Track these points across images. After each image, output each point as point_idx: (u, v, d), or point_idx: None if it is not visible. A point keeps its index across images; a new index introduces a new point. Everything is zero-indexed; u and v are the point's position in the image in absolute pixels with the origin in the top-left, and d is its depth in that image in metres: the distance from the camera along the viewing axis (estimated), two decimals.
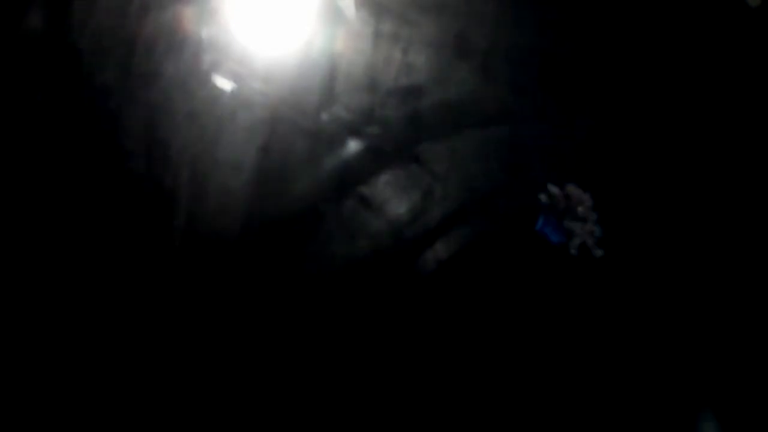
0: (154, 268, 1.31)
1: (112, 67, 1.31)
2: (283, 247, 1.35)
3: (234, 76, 1.35)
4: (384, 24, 1.41)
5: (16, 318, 1.26)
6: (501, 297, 1.37)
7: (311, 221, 1.36)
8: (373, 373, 1.33)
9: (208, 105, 1.34)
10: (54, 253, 1.28)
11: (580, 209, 1.40)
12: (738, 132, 1.49)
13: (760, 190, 1.47)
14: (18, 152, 1.29)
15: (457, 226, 1.40)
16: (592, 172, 1.44)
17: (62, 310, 1.27)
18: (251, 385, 1.30)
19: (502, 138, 1.45)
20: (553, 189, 1.41)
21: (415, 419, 1.32)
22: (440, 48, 1.43)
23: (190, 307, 1.31)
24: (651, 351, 1.39)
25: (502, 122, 1.45)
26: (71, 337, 1.27)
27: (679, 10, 1.50)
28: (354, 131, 1.39)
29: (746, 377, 1.40)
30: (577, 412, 1.35)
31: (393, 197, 1.39)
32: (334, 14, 1.38)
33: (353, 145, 1.39)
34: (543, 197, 1.41)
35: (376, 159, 1.40)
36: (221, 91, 1.35)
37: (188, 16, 1.34)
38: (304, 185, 1.37)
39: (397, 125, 1.41)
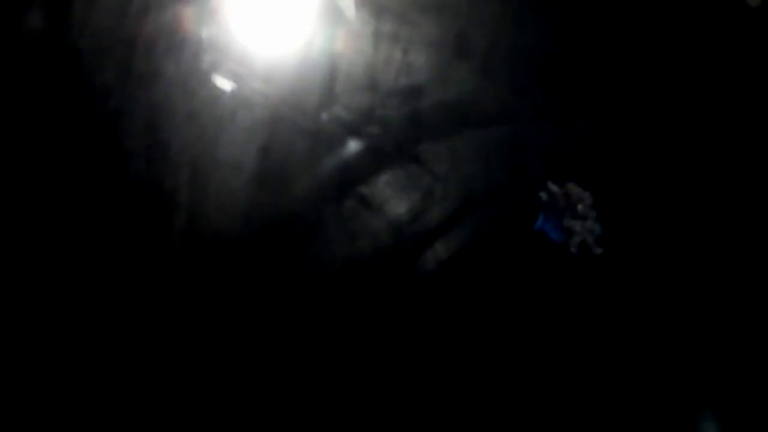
0: (153, 268, 1.31)
1: (112, 67, 1.31)
2: (283, 247, 1.35)
3: (234, 76, 1.35)
4: (384, 24, 1.41)
5: (16, 318, 1.26)
6: (501, 296, 1.37)
7: (311, 221, 1.36)
8: (373, 373, 1.33)
9: (208, 105, 1.34)
10: (54, 253, 1.28)
11: (580, 207, 1.40)
12: (738, 132, 1.49)
13: (760, 189, 1.48)
14: (18, 152, 1.29)
15: (457, 226, 1.40)
16: (592, 171, 1.44)
17: (62, 310, 1.27)
18: (251, 384, 1.30)
19: (502, 138, 1.45)
20: (553, 187, 1.41)
21: (416, 419, 1.32)
22: (440, 48, 1.43)
23: (190, 307, 1.31)
24: (651, 350, 1.38)
25: (502, 122, 1.46)
26: (71, 337, 1.26)
27: (679, 10, 1.50)
28: (354, 131, 1.39)
29: (746, 377, 1.40)
30: (577, 411, 1.35)
31: (393, 197, 1.39)
32: (334, 14, 1.38)
33: (353, 145, 1.39)
34: (543, 195, 1.41)
35: (376, 159, 1.40)
36: (221, 91, 1.35)
37: (188, 16, 1.34)
38: (304, 185, 1.37)
39: (397, 125, 1.41)
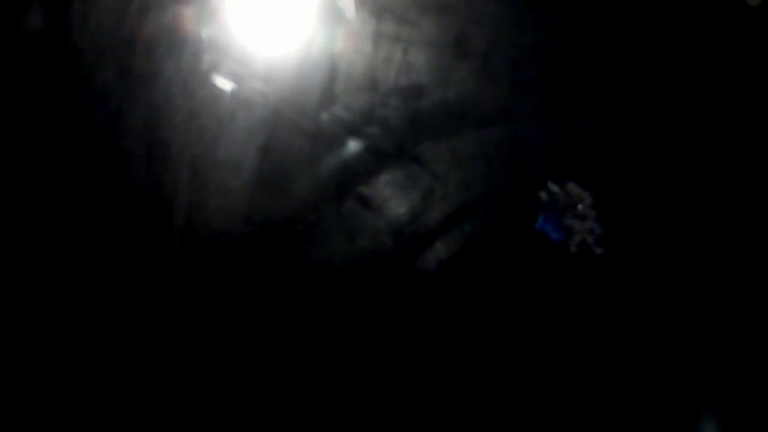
0: (154, 268, 1.31)
1: (112, 67, 1.31)
2: (283, 247, 1.35)
3: (234, 76, 1.35)
4: (384, 24, 1.41)
5: (17, 318, 1.26)
6: (501, 296, 1.37)
7: (311, 221, 1.36)
8: (373, 373, 1.33)
9: (208, 105, 1.34)
10: (54, 253, 1.28)
11: (579, 207, 1.40)
12: (738, 131, 1.49)
13: (760, 189, 1.47)
14: (18, 152, 1.29)
15: (457, 226, 1.40)
16: (592, 171, 1.44)
17: (63, 310, 1.27)
18: (252, 384, 1.30)
19: (502, 138, 1.45)
20: (553, 187, 1.41)
21: (416, 419, 1.32)
22: (440, 48, 1.43)
23: (191, 307, 1.31)
24: (651, 350, 1.39)
25: (502, 122, 1.45)
26: (72, 337, 1.26)
27: (679, 10, 1.50)
28: (354, 131, 1.39)
29: (746, 377, 1.40)
30: (577, 411, 1.35)
31: (393, 197, 1.39)
32: (334, 14, 1.38)
33: (353, 145, 1.39)
34: (543, 195, 1.41)
35: (376, 159, 1.40)
36: (221, 91, 1.35)
37: (188, 16, 1.34)
38: (304, 185, 1.37)
39: (397, 125, 1.41)
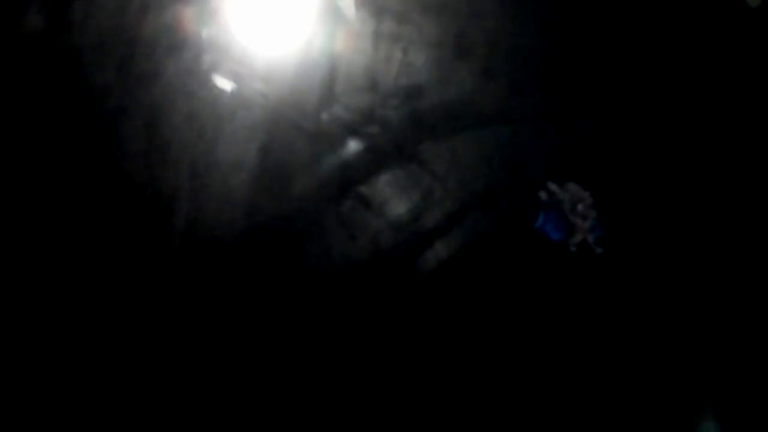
0: (153, 269, 1.31)
1: (112, 67, 1.31)
2: (283, 247, 1.35)
3: (234, 76, 1.35)
4: (384, 24, 1.41)
5: (15, 320, 1.26)
6: (501, 296, 1.37)
7: (311, 221, 1.36)
8: (373, 373, 1.33)
9: (208, 105, 1.34)
10: (53, 254, 1.28)
11: (580, 207, 1.40)
12: (738, 131, 1.49)
13: (760, 189, 1.47)
14: (17, 152, 1.29)
15: (457, 226, 1.40)
16: (592, 171, 1.44)
17: (61, 312, 1.27)
18: (251, 384, 1.30)
19: (502, 138, 1.45)
20: (553, 187, 1.41)
21: (416, 419, 1.32)
22: (440, 48, 1.43)
23: (190, 308, 1.31)
24: (651, 350, 1.38)
25: (502, 122, 1.45)
26: (71, 339, 1.26)
27: (679, 10, 1.50)
28: (354, 131, 1.39)
29: (746, 377, 1.40)
30: (577, 411, 1.35)
31: (393, 197, 1.39)
32: (334, 14, 1.38)
33: (353, 145, 1.39)
34: (543, 195, 1.41)
35: (376, 159, 1.40)
36: (221, 91, 1.35)
37: (188, 16, 1.34)
38: (304, 185, 1.37)
39: (397, 125, 1.41)
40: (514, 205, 1.42)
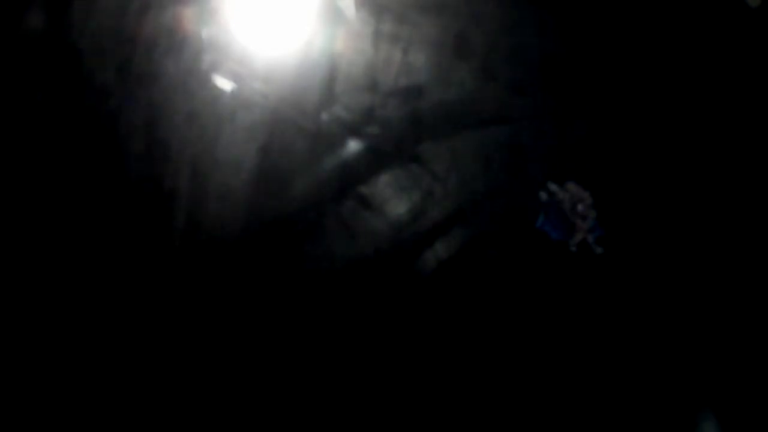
0: (153, 269, 1.31)
1: (112, 67, 1.31)
2: (283, 247, 1.35)
3: (234, 76, 1.35)
4: (384, 24, 1.41)
5: (15, 319, 1.26)
6: (502, 296, 1.37)
7: (311, 221, 1.36)
8: (373, 373, 1.33)
9: (208, 105, 1.34)
10: (53, 254, 1.28)
11: (580, 207, 1.40)
12: (738, 131, 1.49)
13: (760, 189, 1.47)
14: (17, 152, 1.29)
15: (457, 226, 1.40)
16: (592, 171, 1.44)
17: (62, 311, 1.27)
18: (252, 384, 1.30)
19: (502, 138, 1.45)
20: (553, 187, 1.41)
21: (416, 419, 1.32)
22: (440, 48, 1.43)
23: (190, 308, 1.31)
24: (651, 350, 1.38)
25: (502, 122, 1.45)
26: (71, 338, 1.26)
27: (679, 10, 1.50)
28: (354, 131, 1.39)
29: (746, 377, 1.40)
30: (577, 411, 1.35)
31: (393, 197, 1.39)
32: (334, 14, 1.38)
33: (353, 145, 1.39)
34: (543, 195, 1.41)
35: (376, 159, 1.40)
36: (221, 91, 1.35)
37: (188, 16, 1.34)
38: (304, 185, 1.37)
39: (397, 125, 1.41)
40: (514, 205, 1.42)
